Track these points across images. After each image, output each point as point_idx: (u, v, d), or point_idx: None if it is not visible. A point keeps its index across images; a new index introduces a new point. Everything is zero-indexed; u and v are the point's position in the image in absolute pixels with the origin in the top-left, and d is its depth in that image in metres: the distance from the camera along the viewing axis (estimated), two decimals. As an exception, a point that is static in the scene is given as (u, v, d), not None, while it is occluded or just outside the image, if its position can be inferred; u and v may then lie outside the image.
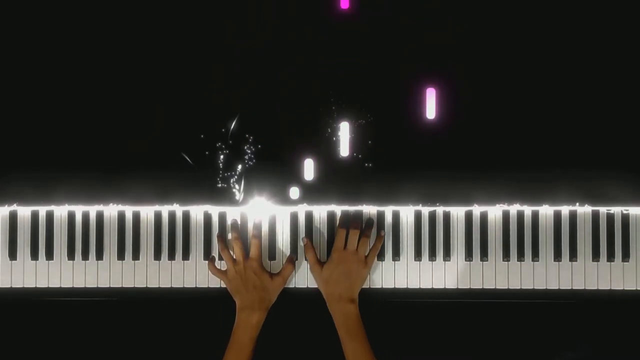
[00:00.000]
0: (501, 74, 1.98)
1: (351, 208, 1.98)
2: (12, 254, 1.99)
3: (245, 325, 1.90)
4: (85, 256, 1.99)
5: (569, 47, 1.98)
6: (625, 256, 1.96)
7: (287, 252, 1.99)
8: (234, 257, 1.95)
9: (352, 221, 1.95)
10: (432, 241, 1.98)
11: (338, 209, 1.99)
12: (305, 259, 1.98)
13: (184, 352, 2.09)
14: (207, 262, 1.97)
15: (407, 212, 1.99)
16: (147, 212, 2.00)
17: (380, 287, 1.99)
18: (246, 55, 1.99)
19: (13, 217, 2.00)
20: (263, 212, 1.98)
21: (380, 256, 1.98)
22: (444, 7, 1.98)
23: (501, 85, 1.98)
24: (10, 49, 2.00)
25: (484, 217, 1.98)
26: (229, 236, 1.98)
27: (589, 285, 1.97)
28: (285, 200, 1.99)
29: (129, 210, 2.00)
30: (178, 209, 1.99)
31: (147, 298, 1.99)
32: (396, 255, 1.98)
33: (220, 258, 1.97)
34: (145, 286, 1.99)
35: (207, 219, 1.99)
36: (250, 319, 1.90)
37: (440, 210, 1.98)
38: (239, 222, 1.98)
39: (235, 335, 1.90)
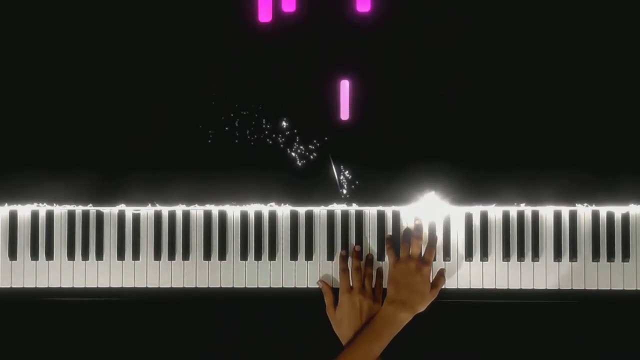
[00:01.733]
0: (502, 77, 1.98)
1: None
2: (12, 254, 1.99)
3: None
4: (85, 256, 1.99)
5: (566, 45, 1.98)
6: (625, 256, 1.96)
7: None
8: (411, 252, 1.92)
9: (353, 262, 1.95)
10: (432, 241, 1.98)
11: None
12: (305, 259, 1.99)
13: (184, 352, 2.09)
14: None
15: (406, 212, 1.99)
16: (148, 212, 2.00)
17: (380, 287, 1.99)
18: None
19: (13, 217, 2.00)
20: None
21: (381, 257, 1.98)
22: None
23: (502, 85, 1.98)
24: (11, 49, 2.00)
25: (484, 217, 1.98)
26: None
27: (589, 285, 1.97)
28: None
29: (129, 210, 2.00)
30: (178, 209, 2.00)
31: (147, 298, 1.99)
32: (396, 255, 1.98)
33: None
34: (145, 286, 1.99)
35: (207, 218, 1.99)
36: (397, 315, 1.87)
37: (439, 210, 1.98)
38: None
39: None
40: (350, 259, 1.97)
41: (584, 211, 1.97)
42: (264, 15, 1.96)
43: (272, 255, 2.00)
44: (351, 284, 1.94)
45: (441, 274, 1.95)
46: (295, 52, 1.98)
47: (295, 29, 1.97)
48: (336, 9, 1.97)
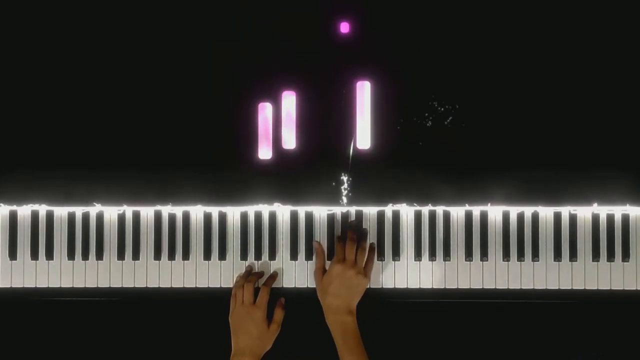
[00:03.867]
0: (504, 75, 1.99)
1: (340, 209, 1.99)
2: (12, 254, 2.00)
3: None
4: (85, 256, 1.99)
5: (566, 47, 1.98)
6: (625, 256, 1.96)
7: (288, 251, 2.00)
8: (243, 299, 1.95)
9: (348, 233, 1.96)
10: (432, 241, 1.98)
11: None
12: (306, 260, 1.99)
13: (184, 352, 2.09)
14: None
15: (407, 212, 1.99)
16: (147, 212, 2.00)
17: (380, 287, 1.99)
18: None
19: (13, 217, 2.00)
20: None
21: (380, 256, 1.98)
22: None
23: (503, 86, 1.98)
24: (12, 51, 2.00)
25: (484, 217, 1.98)
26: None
27: (589, 286, 1.97)
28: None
29: (129, 210, 2.00)
30: (178, 209, 2.00)
31: (147, 298, 1.99)
32: (396, 255, 1.98)
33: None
34: (145, 286, 2.00)
35: (207, 218, 1.99)
36: None
37: (440, 210, 1.98)
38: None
39: None
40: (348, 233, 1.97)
41: (583, 211, 1.97)
42: (264, 152, 1.98)
43: (272, 255, 2.00)
44: (345, 255, 1.94)
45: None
46: (294, 190, 1.99)
47: (295, 167, 1.99)
48: (337, 146, 1.99)
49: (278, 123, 1.98)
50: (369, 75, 1.97)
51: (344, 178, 1.97)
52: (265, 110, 1.97)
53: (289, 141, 1.98)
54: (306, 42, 1.98)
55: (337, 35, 1.97)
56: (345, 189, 1.98)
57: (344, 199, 1.98)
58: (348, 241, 1.95)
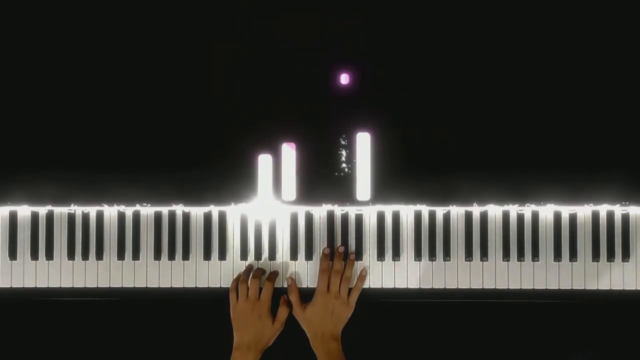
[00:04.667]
0: (504, 75, 1.99)
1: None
2: (12, 254, 2.00)
3: None
4: (85, 256, 1.99)
5: (566, 48, 1.98)
6: (625, 256, 1.96)
7: (287, 252, 2.00)
8: (248, 294, 1.96)
9: (335, 263, 1.97)
10: (432, 241, 1.98)
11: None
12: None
13: (183, 352, 2.09)
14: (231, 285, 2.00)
15: (407, 212, 1.99)
16: (147, 212, 2.00)
17: (380, 287, 1.99)
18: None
19: (13, 217, 2.00)
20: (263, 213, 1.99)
21: (380, 256, 1.98)
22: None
23: (504, 87, 1.98)
24: (12, 51, 2.00)
25: (484, 217, 1.98)
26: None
27: (589, 285, 1.97)
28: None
29: (129, 210, 2.00)
30: (178, 209, 2.00)
31: (147, 298, 1.99)
32: (396, 255, 1.98)
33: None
34: (145, 286, 2.00)
35: (207, 219, 1.99)
36: (244, 358, 1.92)
37: (440, 210, 1.98)
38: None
39: None
40: (332, 259, 1.98)
41: (584, 211, 1.97)
42: (265, 199, 1.99)
43: (272, 255, 2.00)
44: (328, 286, 1.95)
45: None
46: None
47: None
48: (337, 196, 1.99)
49: (278, 174, 1.99)
50: (369, 127, 1.98)
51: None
52: (265, 162, 1.98)
53: (289, 193, 1.98)
54: (306, 93, 1.98)
55: (337, 87, 1.98)
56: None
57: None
58: (333, 272, 1.96)
